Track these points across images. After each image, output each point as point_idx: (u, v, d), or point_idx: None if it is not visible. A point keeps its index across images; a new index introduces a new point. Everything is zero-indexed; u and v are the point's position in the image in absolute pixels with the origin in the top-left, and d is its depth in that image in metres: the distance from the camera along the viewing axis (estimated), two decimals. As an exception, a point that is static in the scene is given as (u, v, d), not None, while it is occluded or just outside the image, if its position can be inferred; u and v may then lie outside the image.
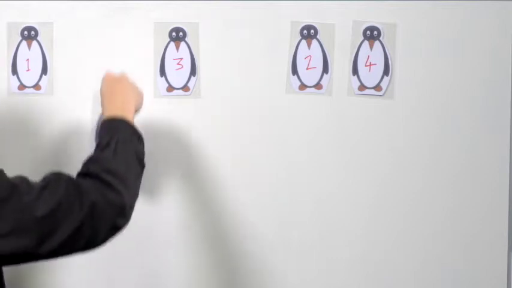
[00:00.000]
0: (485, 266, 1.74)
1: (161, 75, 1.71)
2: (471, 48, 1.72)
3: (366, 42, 1.71)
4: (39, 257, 1.25)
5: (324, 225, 1.73)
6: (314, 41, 1.71)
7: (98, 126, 1.58)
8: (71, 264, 1.66)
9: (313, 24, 1.70)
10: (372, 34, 1.71)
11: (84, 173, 1.35)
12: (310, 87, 1.72)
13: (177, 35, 1.71)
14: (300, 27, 1.70)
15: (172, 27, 1.70)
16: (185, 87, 1.71)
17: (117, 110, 1.48)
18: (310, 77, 1.72)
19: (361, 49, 1.71)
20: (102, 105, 1.54)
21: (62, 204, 1.24)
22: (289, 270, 1.73)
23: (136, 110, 1.55)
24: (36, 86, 1.69)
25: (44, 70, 1.69)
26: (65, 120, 1.69)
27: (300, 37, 1.70)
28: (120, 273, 1.71)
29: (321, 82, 1.72)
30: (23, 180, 1.26)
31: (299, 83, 1.71)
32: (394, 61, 1.71)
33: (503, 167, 1.74)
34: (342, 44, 1.71)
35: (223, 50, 1.71)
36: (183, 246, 1.72)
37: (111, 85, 1.55)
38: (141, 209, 1.70)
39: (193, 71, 1.71)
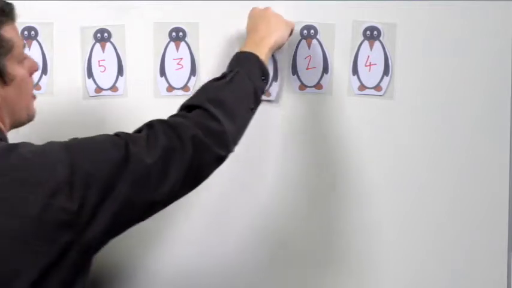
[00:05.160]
0: (485, 266, 1.74)
1: (161, 75, 1.71)
2: (471, 48, 1.72)
3: (366, 42, 1.71)
4: (157, 204, 1.32)
5: (323, 224, 1.73)
6: (314, 41, 1.71)
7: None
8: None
9: (313, 24, 1.70)
10: (372, 34, 1.71)
11: (190, 105, 1.41)
12: (310, 87, 1.72)
13: (177, 35, 1.71)
14: (300, 27, 1.70)
15: (172, 27, 1.70)
16: (185, 87, 1.71)
17: (251, 46, 1.54)
18: (310, 77, 1.72)
19: (361, 49, 1.71)
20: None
21: (166, 149, 1.30)
22: (290, 268, 1.73)
23: (279, 45, 1.60)
24: (37, 86, 1.68)
25: (44, 70, 1.69)
26: (65, 121, 1.69)
27: (300, 37, 1.70)
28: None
29: (321, 82, 1.72)
30: (126, 136, 1.32)
31: (299, 83, 1.71)
32: (394, 61, 1.71)
33: (503, 167, 1.74)
34: (342, 44, 1.71)
35: (223, 50, 1.71)
36: (189, 246, 1.72)
37: (255, 21, 1.61)
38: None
39: (193, 71, 1.71)
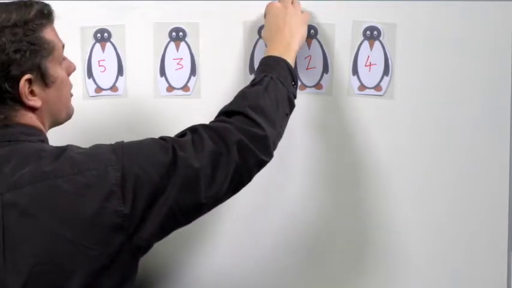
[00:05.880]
0: (485, 266, 1.74)
1: (161, 75, 1.71)
2: (471, 48, 1.71)
3: (366, 42, 1.71)
4: (203, 208, 1.33)
5: (323, 226, 1.73)
6: (314, 41, 1.71)
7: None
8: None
9: (314, 24, 1.70)
10: (372, 34, 1.71)
11: (230, 111, 1.41)
12: (310, 87, 1.72)
13: (177, 35, 1.71)
14: (300, 27, 1.70)
15: (172, 27, 1.71)
16: (185, 87, 1.71)
17: (279, 50, 1.54)
18: (310, 77, 1.72)
19: (361, 49, 1.71)
20: (266, 38, 1.61)
21: (213, 153, 1.32)
22: (287, 269, 1.74)
23: (301, 47, 1.61)
24: (36, 86, 1.68)
25: (44, 70, 1.69)
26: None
27: (300, 37, 1.70)
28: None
29: (321, 82, 1.72)
30: (172, 140, 1.33)
31: (299, 83, 1.71)
32: (394, 61, 1.71)
33: (503, 167, 1.73)
34: (342, 44, 1.71)
35: (223, 50, 1.71)
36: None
37: (276, 21, 1.59)
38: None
39: (193, 71, 1.71)
